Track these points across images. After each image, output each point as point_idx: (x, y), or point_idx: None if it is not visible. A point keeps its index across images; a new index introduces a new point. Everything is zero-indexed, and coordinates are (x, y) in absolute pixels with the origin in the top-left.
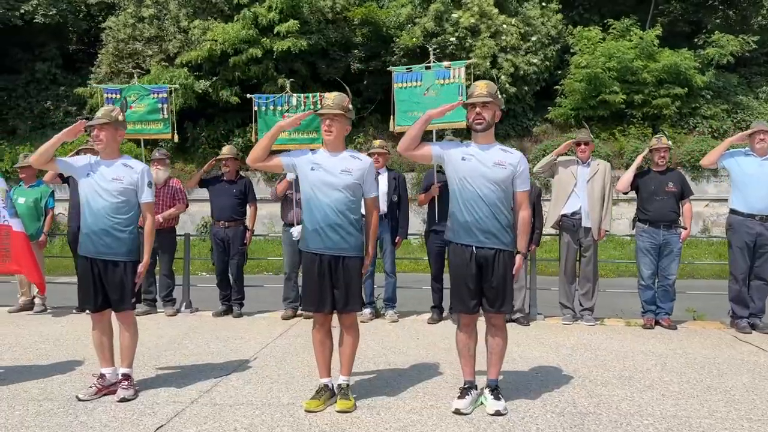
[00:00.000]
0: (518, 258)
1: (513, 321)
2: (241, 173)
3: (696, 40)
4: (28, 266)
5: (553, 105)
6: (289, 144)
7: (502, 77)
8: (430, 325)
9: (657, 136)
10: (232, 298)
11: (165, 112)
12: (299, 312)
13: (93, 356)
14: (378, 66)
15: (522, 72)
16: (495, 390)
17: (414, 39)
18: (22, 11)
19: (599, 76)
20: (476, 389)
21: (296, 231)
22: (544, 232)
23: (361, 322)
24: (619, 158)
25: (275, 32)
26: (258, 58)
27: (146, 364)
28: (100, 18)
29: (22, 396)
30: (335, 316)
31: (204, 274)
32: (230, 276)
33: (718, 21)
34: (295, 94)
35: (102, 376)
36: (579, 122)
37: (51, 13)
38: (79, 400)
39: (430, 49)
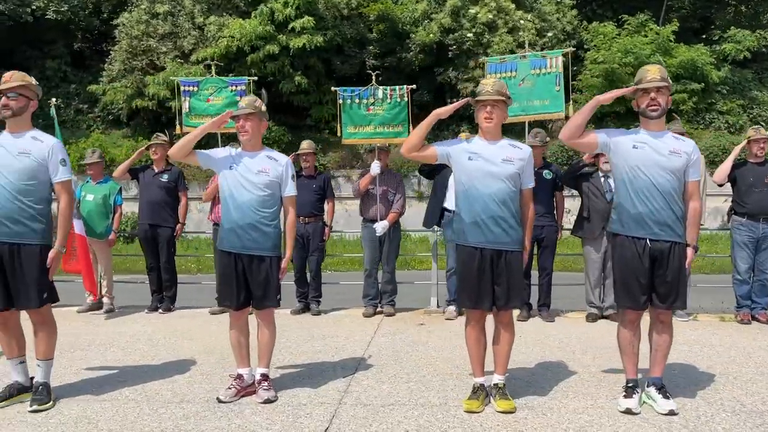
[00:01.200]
0: (690, 251)
1: (605, 318)
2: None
3: (705, 36)
4: (86, 270)
5: (569, 101)
6: (374, 138)
7: None
8: (521, 323)
9: (755, 126)
10: (309, 296)
11: None
12: (378, 309)
13: (200, 355)
14: (393, 62)
15: None
16: (662, 389)
17: (431, 35)
18: (34, 7)
19: (616, 72)
20: (639, 387)
21: (380, 227)
22: None
23: (447, 319)
24: None
25: (290, 28)
26: (274, 55)
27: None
28: (105, 15)
29: (157, 398)
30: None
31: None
32: (308, 273)
33: (729, 16)
34: (381, 87)
35: (239, 376)
36: (595, 118)
37: (63, 9)
38: (220, 401)
39: (526, 41)
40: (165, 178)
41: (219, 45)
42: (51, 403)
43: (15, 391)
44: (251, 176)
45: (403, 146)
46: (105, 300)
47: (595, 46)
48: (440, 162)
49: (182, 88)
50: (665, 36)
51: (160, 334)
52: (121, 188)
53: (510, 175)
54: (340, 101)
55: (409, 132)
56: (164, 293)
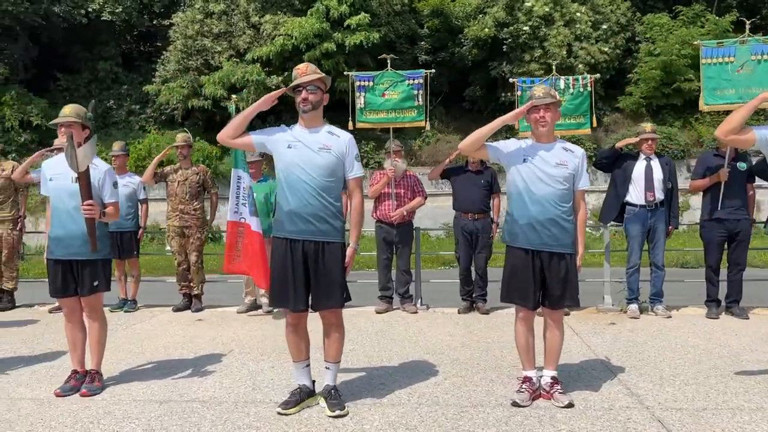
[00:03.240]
0: None
1: None
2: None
3: (751, 25)
4: (257, 268)
5: (623, 94)
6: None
7: (580, 66)
8: (712, 320)
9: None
10: (474, 294)
11: (420, 99)
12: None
13: (429, 356)
14: (446, 57)
15: (593, 60)
16: None
17: (486, 29)
18: (90, 9)
19: (674, 64)
20: None
21: None
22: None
23: (631, 318)
24: (698, 146)
25: (345, 26)
26: (328, 53)
27: (496, 365)
28: (146, 16)
29: (444, 403)
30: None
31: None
32: (475, 271)
33: None
34: (562, 77)
35: (528, 379)
36: (651, 111)
37: (117, 10)
38: (519, 405)
39: (747, 24)
40: None
41: (275, 43)
42: (346, 408)
43: (305, 396)
44: (549, 169)
45: (720, 128)
46: (264, 300)
47: (648, 38)
48: (757, 148)
49: (357, 83)
50: (723, 26)
51: (355, 335)
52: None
53: None
54: (519, 93)
55: (591, 123)
56: None
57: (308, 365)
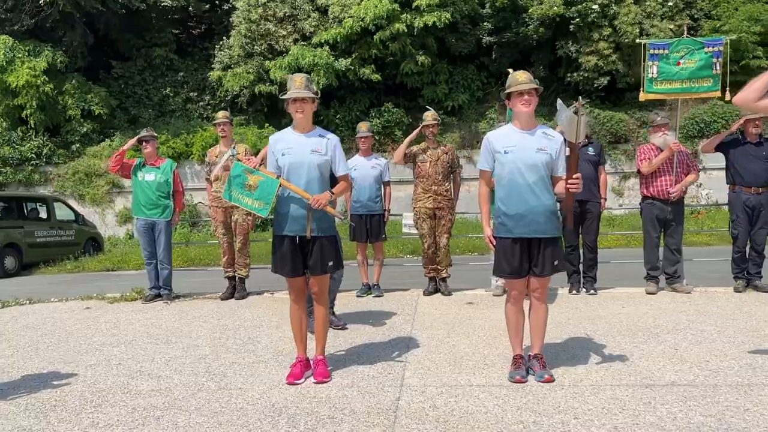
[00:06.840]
0: None
1: None
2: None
3: None
4: None
5: None
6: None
7: None
8: None
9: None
10: (751, 272)
11: (717, 68)
12: None
13: None
14: (512, 38)
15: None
16: None
17: (555, 8)
18: None
19: (743, 41)
20: None
21: None
22: None
23: None
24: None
25: (413, 7)
26: (395, 35)
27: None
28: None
29: None
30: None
31: None
32: (753, 247)
33: None
34: None
35: None
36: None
37: None
38: None
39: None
40: (591, 151)
41: (344, 25)
42: None
43: None
44: None
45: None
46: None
47: (712, 15)
48: None
49: (650, 52)
50: None
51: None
52: None
53: None
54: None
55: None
56: (586, 273)
57: None
